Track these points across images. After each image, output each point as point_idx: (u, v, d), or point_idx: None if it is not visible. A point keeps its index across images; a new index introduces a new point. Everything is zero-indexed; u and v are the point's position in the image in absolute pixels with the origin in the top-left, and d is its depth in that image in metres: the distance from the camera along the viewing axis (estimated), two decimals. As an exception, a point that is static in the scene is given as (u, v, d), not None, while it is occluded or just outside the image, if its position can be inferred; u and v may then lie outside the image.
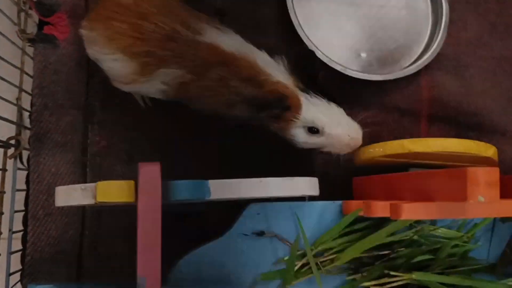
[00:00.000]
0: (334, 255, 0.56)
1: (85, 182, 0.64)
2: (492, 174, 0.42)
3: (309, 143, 0.60)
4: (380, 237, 0.53)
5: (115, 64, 0.58)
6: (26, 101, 0.64)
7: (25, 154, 0.64)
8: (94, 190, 0.47)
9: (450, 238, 0.58)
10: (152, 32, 0.56)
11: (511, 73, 0.76)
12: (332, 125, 0.59)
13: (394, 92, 0.74)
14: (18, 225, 0.63)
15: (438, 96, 0.74)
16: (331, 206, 0.58)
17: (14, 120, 0.63)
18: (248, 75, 0.57)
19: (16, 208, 0.62)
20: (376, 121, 0.73)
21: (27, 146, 0.63)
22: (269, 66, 0.58)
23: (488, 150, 0.63)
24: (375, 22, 0.76)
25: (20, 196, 0.63)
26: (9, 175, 0.63)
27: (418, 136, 0.74)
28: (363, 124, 0.66)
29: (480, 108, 0.75)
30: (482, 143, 0.61)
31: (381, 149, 0.62)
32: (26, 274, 0.61)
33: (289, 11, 0.70)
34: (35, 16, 0.66)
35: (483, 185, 0.42)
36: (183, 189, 0.49)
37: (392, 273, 0.55)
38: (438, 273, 0.57)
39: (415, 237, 0.56)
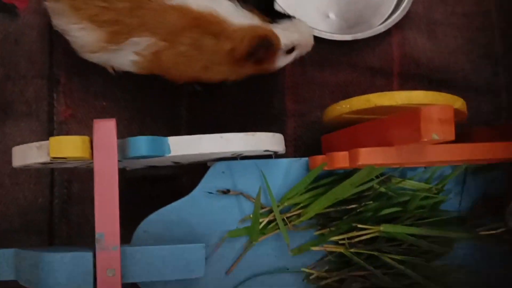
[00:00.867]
0: (301, 210, 0.56)
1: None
2: (445, 111, 0.42)
3: (287, 61, 0.63)
4: (344, 188, 0.53)
5: (82, 33, 0.57)
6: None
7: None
8: (48, 147, 0.46)
9: (419, 190, 0.58)
10: (118, 0, 0.56)
11: (482, 29, 0.76)
12: (303, 36, 0.62)
13: (365, 52, 0.73)
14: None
15: (409, 54, 0.74)
16: (297, 163, 0.58)
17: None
18: (219, 30, 0.57)
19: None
20: (348, 81, 0.72)
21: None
22: (235, 14, 0.58)
23: (456, 101, 0.62)
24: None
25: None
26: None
27: (391, 95, 0.74)
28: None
29: (452, 65, 0.74)
30: (449, 95, 0.60)
31: (348, 105, 0.61)
32: (-3, 245, 0.61)
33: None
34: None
35: (436, 122, 0.42)
36: (142, 145, 0.48)
37: (360, 226, 0.55)
38: (408, 226, 0.57)
39: (383, 189, 0.56)
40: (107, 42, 0.58)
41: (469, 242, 0.59)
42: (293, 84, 0.71)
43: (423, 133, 0.41)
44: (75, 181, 0.64)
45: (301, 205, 0.56)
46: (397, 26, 0.73)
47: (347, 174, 0.56)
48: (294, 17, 0.62)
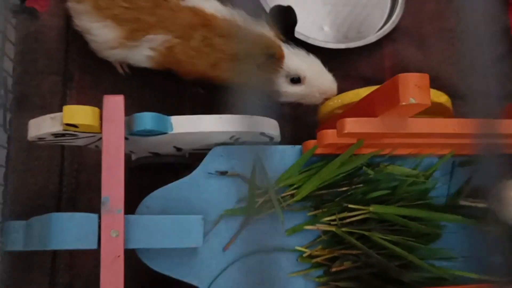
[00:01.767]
0: (295, 191, 0.59)
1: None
2: (422, 78, 0.46)
3: (290, 93, 0.66)
4: (335, 165, 0.57)
5: (104, 31, 0.63)
6: (10, 68, 0.69)
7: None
8: (62, 118, 0.51)
9: (407, 175, 0.61)
10: (139, 1, 0.62)
11: (468, 44, 0.80)
12: (313, 73, 0.65)
13: (358, 62, 0.79)
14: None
15: (399, 64, 0.79)
16: (291, 150, 0.61)
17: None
18: (230, 31, 0.62)
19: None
20: (341, 89, 0.77)
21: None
22: (249, 22, 0.63)
23: (440, 97, 0.67)
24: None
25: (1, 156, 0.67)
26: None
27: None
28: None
29: (440, 74, 0.79)
30: (433, 90, 0.64)
31: (339, 100, 0.66)
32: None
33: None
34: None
35: (413, 88, 0.46)
36: (147, 120, 0.53)
37: (350, 206, 0.58)
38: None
39: (371, 173, 0.59)
40: (126, 39, 0.63)
41: (457, 225, 0.62)
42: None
43: (401, 97, 0.45)
44: (83, 171, 0.68)
45: (295, 186, 0.59)
46: (388, 38, 0.79)
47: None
48: (314, 56, 0.66)
